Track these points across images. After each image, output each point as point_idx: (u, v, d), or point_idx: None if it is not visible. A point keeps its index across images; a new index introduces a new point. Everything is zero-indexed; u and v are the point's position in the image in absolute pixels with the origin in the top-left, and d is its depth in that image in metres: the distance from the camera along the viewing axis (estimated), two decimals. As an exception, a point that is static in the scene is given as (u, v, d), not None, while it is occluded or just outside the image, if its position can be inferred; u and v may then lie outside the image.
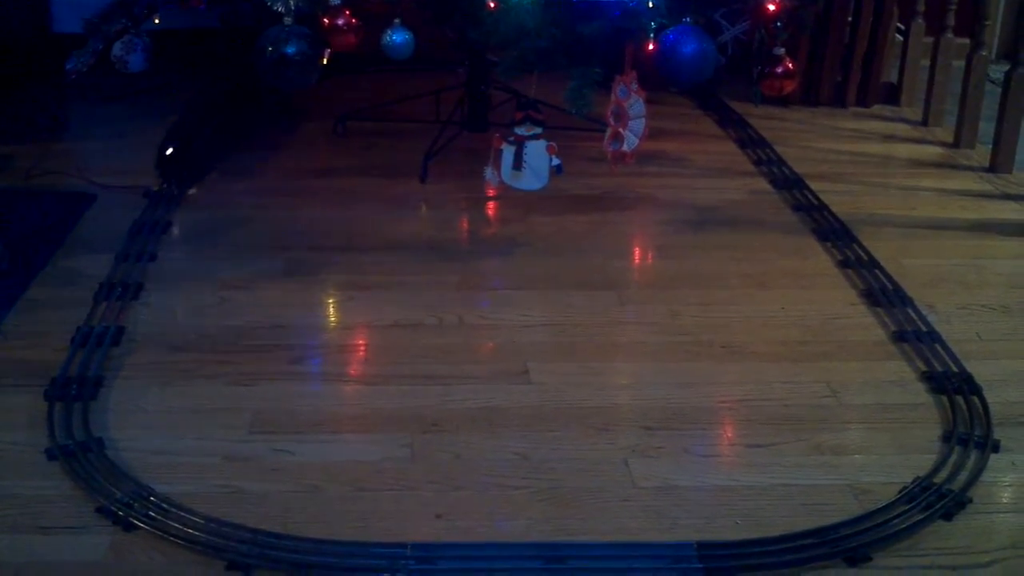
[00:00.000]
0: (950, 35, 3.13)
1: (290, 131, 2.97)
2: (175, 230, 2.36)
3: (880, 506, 1.54)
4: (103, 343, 1.89)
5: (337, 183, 2.64)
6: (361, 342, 1.97)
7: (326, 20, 2.23)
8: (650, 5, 2.35)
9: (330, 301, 2.13)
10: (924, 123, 3.21)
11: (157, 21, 2.52)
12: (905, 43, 3.31)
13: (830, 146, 3.05)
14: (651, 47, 2.35)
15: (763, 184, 2.73)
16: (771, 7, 2.38)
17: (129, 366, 1.84)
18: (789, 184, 2.71)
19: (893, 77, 3.39)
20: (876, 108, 3.35)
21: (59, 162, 2.70)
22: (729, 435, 1.73)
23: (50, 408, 1.70)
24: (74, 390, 1.75)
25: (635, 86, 2.28)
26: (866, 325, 2.07)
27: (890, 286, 2.19)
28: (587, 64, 2.16)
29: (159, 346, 1.91)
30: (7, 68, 3.02)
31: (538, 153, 2.24)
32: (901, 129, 3.21)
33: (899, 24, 3.33)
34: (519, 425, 1.72)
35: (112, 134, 2.89)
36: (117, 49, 2.64)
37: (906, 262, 2.30)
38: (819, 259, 2.33)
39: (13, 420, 1.69)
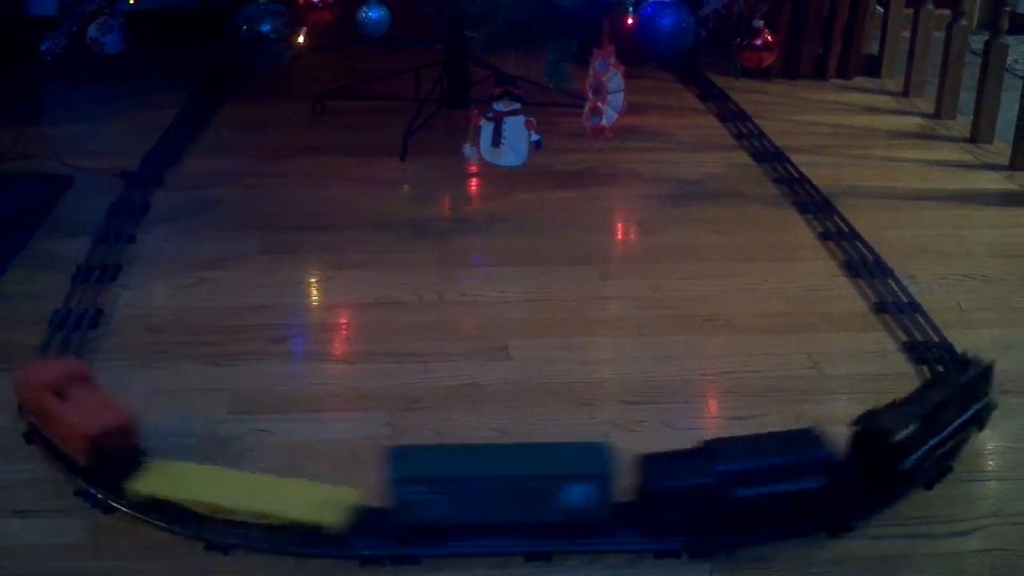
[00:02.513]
0: (930, 6, 3.12)
1: (267, 110, 2.95)
2: (153, 212, 2.33)
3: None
4: (81, 325, 1.88)
5: (316, 162, 2.63)
6: (341, 321, 1.96)
7: (301, -2, 2.21)
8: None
9: (309, 280, 2.12)
10: (905, 94, 3.21)
11: (132, 1, 2.50)
12: (885, 14, 3.30)
13: (811, 118, 3.04)
14: (629, 20, 2.34)
15: (744, 157, 2.72)
16: (749, -21, 2.36)
17: (107, 348, 1.83)
18: (770, 157, 2.70)
19: (873, 49, 3.37)
20: (857, 80, 3.35)
21: (35, 145, 2.68)
22: (711, 408, 1.73)
23: (27, 392, 1.69)
24: (52, 373, 1.73)
25: (613, 59, 2.26)
26: (847, 297, 2.06)
27: (871, 257, 2.19)
28: (565, 38, 2.14)
29: (137, 328, 1.90)
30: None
31: (517, 129, 2.24)
32: (882, 101, 3.21)
33: (877, -3, 3.32)
34: (499, 402, 1.71)
35: (88, 117, 2.87)
36: (93, 31, 2.61)
37: (887, 233, 2.30)
38: (800, 231, 2.33)
39: (-9, 404, 1.67)
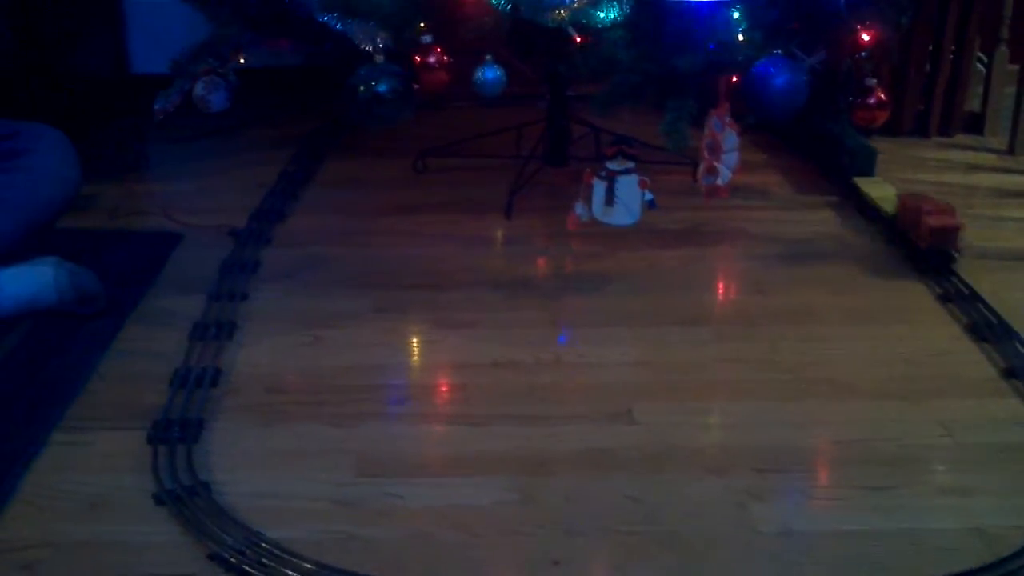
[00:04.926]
0: (1037, 62, 3.07)
1: (369, 168, 2.96)
2: (264, 269, 2.34)
3: (1012, 551, 1.48)
4: (202, 385, 1.87)
5: (421, 220, 2.62)
6: (459, 382, 1.94)
7: (417, 58, 2.21)
8: (740, 38, 2.32)
9: (425, 340, 2.10)
10: (1010, 152, 3.15)
11: (243, 61, 2.52)
12: (988, 71, 3.25)
13: (916, 176, 2.99)
14: (740, 80, 2.32)
15: (853, 215, 2.68)
16: (865, 36, 2.32)
17: (229, 408, 1.83)
18: (880, 215, 2.65)
19: (976, 106, 3.32)
20: (959, 137, 3.29)
21: (142, 202, 2.71)
22: (845, 477, 1.68)
23: (154, 451, 1.69)
24: (176, 433, 1.73)
25: (728, 118, 2.24)
26: (974, 361, 2.01)
27: (994, 320, 2.13)
28: (682, 97, 2.13)
29: (257, 387, 1.89)
30: (87, 109, 3.04)
31: (630, 188, 2.21)
32: (986, 159, 3.15)
33: (979, 54, 3.27)
34: (628, 467, 1.68)
35: (193, 173, 2.90)
36: (199, 88, 2.62)
37: (1008, 295, 2.24)
38: (918, 293, 2.28)
39: (117, 464, 1.67)
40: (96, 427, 1.76)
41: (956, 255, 2.35)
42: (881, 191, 2.68)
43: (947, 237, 2.34)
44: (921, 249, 2.37)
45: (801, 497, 1.62)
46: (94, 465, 1.67)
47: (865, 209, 2.69)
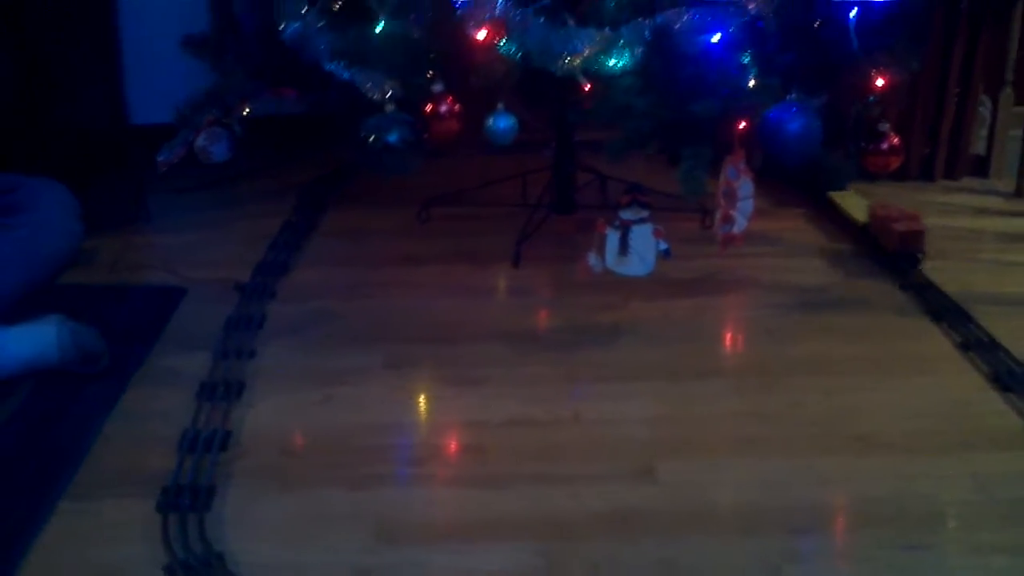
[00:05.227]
0: (1043, 104, 3.06)
1: (372, 218, 2.92)
2: (270, 324, 2.29)
3: (1061, 614, 1.44)
4: (211, 448, 1.82)
5: (427, 271, 2.58)
6: (476, 441, 1.88)
7: (428, 107, 2.17)
8: (751, 83, 2.29)
9: (438, 396, 2.05)
10: (1018, 194, 3.12)
11: (247, 111, 2.48)
12: (993, 113, 3.23)
13: (926, 221, 2.95)
14: (750, 126, 2.29)
15: (865, 262, 2.64)
16: (880, 81, 2.29)
17: (241, 472, 1.77)
18: (892, 262, 2.62)
19: (981, 149, 3.30)
20: (965, 180, 3.27)
21: (144, 255, 2.66)
22: (882, 536, 1.62)
23: (164, 520, 1.63)
24: (187, 500, 1.67)
25: (743, 166, 2.20)
26: (1001, 412, 1.97)
27: (1018, 369, 2.09)
28: (696, 144, 2.09)
29: (269, 449, 1.84)
30: (86, 160, 2.98)
31: (645, 237, 2.18)
32: (993, 202, 3.13)
33: (982, 97, 3.25)
34: (657, 529, 1.63)
35: (195, 225, 2.86)
36: (201, 139, 2.58)
37: (1030, 343, 2.20)
38: (937, 341, 2.24)
39: (126, 533, 1.61)
40: (103, 494, 1.71)
41: (921, 256, 2.59)
42: (853, 203, 2.88)
43: (914, 240, 2.58)
44: (890, 252, 2.59)
45: (839, 559, 1.57)
46: (102, 535, 1.61)
47: (838, 219, 2.88)
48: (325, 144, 3.22)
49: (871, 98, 2.50)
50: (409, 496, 1.72)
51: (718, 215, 2.22)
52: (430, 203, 2.87)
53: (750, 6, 2.29)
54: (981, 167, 3.29)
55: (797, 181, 3.07)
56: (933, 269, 2.57)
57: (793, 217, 2.95)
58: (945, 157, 3.26)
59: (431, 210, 2.87)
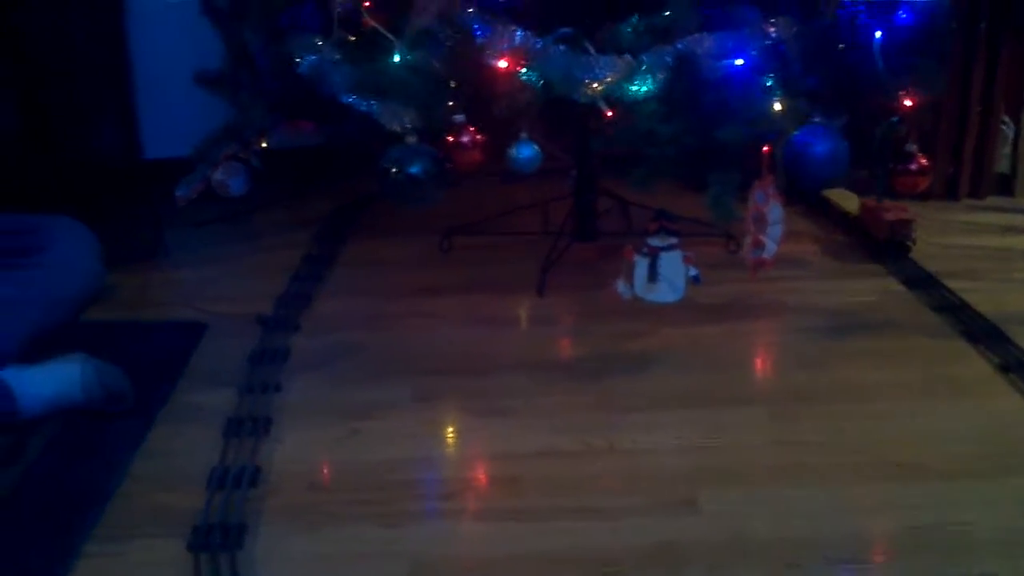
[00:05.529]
0: (1067, 121, 3.02)
1: (393, 248, 2.89)
2: (294, 358, 2.25)
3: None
4: (240, 485, 1.78)
5: (451, 301, 2.55)
6: (509, 473, 1.84)
7: (450, 138, 2.15)
8: (776, 107, 2.27)
9: (468, 429, 2.01)
10: (1044, 213, 3.09)
11: (264, 145, 2.46)
12: (1017, 130, 3.20)
13: (948, 239, 2.93)
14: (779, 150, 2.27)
15: (894, 284, 2.61)
16: (907, 102, 2.27)
17: (271, 510, 1.73)
18: (922, 283, 2.59)
19: (1005, 167, 3.27)
20: (990, 199, 3.24)
21: (164, 291, 2.64)
22: (931, 568, 1.58)
23: (196, 560, 1.59)
24: (218, 539, 1.64)
25: (772, 190, 2.17)
26: (1045, 435, 1.92)
27: (1059, 391, 2.05)
28: (726, 170, 2.07)
29: (299, 486, 1.80)
30: (100, 196, 2.97)
31: (673, 264, 2.15)
32: (1019, 220, 3.09)
33: (1003, 117, 3.23)
34: (701, 563, 1.58)
35: (214, 259, 2.83)
36: (219, 173, 2.57)
37: (1069, 363, 2.16)
38: (976, 364, 2.20)
39: (157, 574, 1.57)
40: (131, 535, 1.67)
41: (911, 244, 2.74)
42: (845, 199, 2.99)
43: (903, 229, 2.73)
44: (881, 241, 2.74)
45: (888, 591, 1.52)
46: (132, 578, 1.57)
47: (832, 214, 3.02)
48: (343, 176, 3.21)
49: (895, 119, 2.47)
50: (443, 532, 1.68)
51: (747, 240, 2.19)
52: (451, 232, 2.84)
53: (771, 30, 2.27)
54: (1006, 186, 3.26)
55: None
56: (965, 289, 2.53)
57: (819, 239, 2.91)
58: (969, 176, 3.22)
59: (452, 239, 2.84)
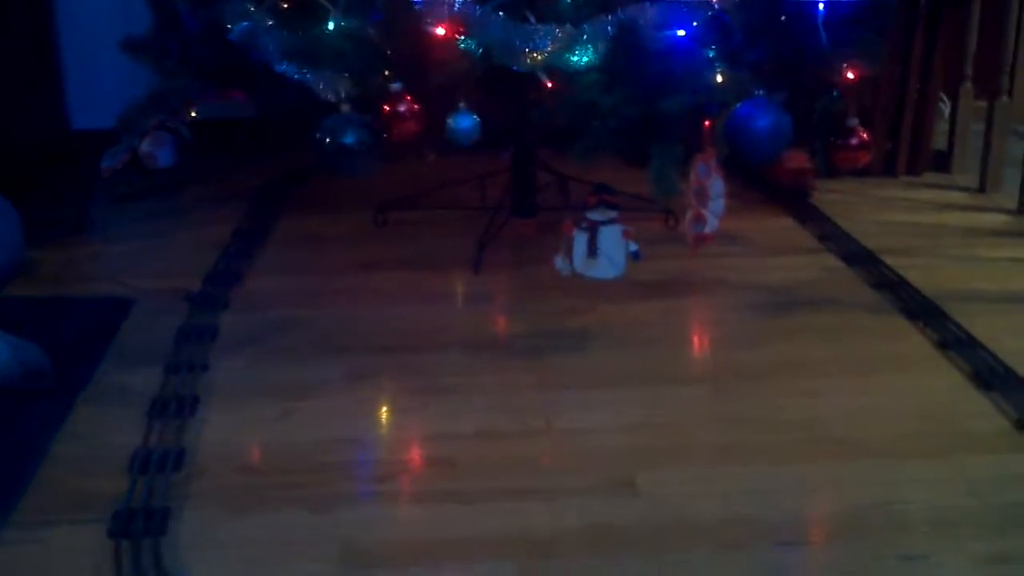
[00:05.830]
0: (1005, 98, 3.02)
1: (327, 223, 2.82)
2: (223, 336, 2.18)
3: (1066, 626, 1.37)
4: (165, 468, 1.71)
5: (386, 277, 2.49)
6: (446, 455, 1.79)
7: (386, 107, 2.08)
8: (718, 79, 2.23)
9: (403, 409, 1.96)
10: (982, 189, 3.09)
11: (194, 115, 2.38)
12: (954, 108, 3.20)
13: (886, 216, 2.93)
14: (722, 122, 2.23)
15: (834, 261, 2.59)
16: (850, 75, 2.24)
17: (196, 494, 1.67)
18: (861, 259, 2.57)
19: (942, 144, 3.27)
20: (927, 176, 3.24)
21: (89, 266, 2.55)
22: (876, 547, 1.55)
23: (117, 547, 1.53)
24: (141, 524, 1.57)
25: (714, 164, 2.14)
26: (985, 412, 1.91)
27: (999, 367, 2.04)
28: (666, 142, 2.02)
29: (226, 469, 1.74)
30: (27, 168, 2.87)
31: (613, 239, 2.10)
32: (956, 197, 3.10)
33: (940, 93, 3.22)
34: (640, 545, 1.55)
35: (141, 234, 2.75)
36: (145, 144, 2.49)
37: (1009, 341, 2.15)
38: (915, 340, 2.19)
39: (77, 562, 1.51)
40: (51, 521, 1.60)
41: (810, 191, 2.96)
42: None
43: (802, 176, 2.92)
44: (783, 186, 2.94)
45: (829, 572, 1.49)
46: (51, 566, 1.51)
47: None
48: (276, 148, 3.13)
49: (836, 93, 2.45)
50: (375, 515, 1.62)
51: (689, 215, 2.15)
52: (386, 207, 2.77)
53: (714, 1, 2.24)
54: (943, 162, 3.25)
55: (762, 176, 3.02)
56: (903, 266, 2.52)
57: (758, 216, 2.89)
58: (907, 153, 3.21)
59: (388, 214, 2.78)
